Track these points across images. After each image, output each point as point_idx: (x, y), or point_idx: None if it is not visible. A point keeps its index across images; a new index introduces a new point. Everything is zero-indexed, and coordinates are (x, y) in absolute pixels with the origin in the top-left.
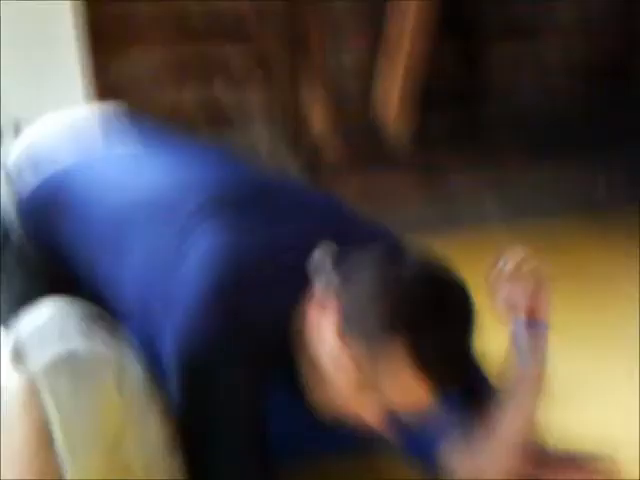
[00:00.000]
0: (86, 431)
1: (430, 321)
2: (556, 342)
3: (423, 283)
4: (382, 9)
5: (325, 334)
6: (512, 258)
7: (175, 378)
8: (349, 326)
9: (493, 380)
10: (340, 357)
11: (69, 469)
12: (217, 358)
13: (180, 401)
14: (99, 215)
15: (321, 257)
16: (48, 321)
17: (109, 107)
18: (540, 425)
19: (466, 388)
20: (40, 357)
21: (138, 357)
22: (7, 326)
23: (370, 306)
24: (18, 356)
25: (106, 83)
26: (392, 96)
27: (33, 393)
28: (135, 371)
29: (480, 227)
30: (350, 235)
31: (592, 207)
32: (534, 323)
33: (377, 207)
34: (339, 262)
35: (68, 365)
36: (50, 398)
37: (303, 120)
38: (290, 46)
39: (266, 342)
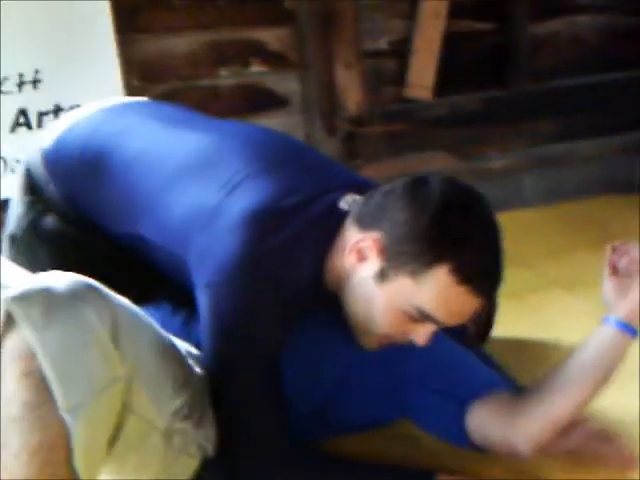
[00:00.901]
0: (74, 366)
1: (466, 241)
2: None
3: (449, 207)
4: None
5: (365, 277)
6: (628, 253)
7: (206, 324)
8: (393, 265)
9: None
10: (383, 299)
11: (60, 403)
12: (244, 314)
13: (210, 345)
14: (142, 173)
15: (351, 203)
16: (38, 280)
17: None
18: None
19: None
20: (13, 289)
21: (148, 321)
22: None
23: (407, 244)
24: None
25: (142, 69)
26: (427, 75)
27: (10, 321)
28: (139, 331)
29: (518, 207)
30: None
31: (630, 187)
32: (626, 326)
33: None
34: (364, 207)
35: (41, 296)
36: (26, 326)
37: (339, 103)
38: (325, 28)
39: (296, 292)
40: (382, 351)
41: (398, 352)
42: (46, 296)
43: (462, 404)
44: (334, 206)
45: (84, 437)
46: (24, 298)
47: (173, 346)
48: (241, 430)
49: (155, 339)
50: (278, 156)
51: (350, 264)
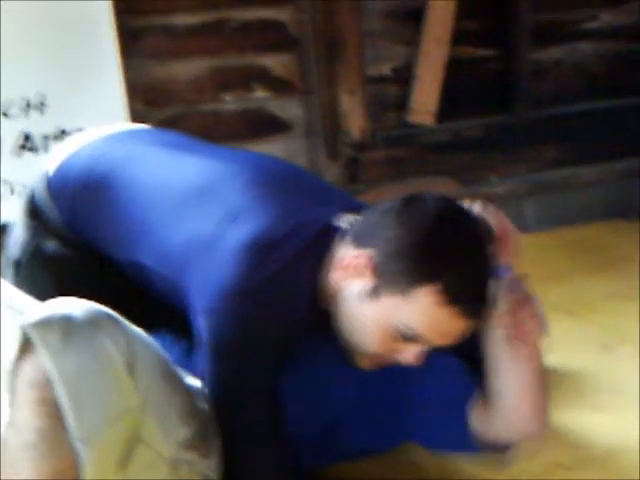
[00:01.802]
0: (88, 394)
1: (456, 261)
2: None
3: (439, 226)
4: (418, 17)
5: (352, 295)
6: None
7: (206, 350)
8: (381, 282)
9: None
10: (370, 317)
11: (73, 431)
12: (242, 341)
13: (210, 371)
14: (143, 200)
15: (346, 221)
16: (56, 307)
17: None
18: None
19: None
20: (32, 315)
21: (155, 350)
22: None
23: (398, 262)
24: (18, 312)
25: (146, 93)
26: (430, 101)
27: (26, 347)
28: (152, 361)
29: (520, 232)
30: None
31: (631, 213)
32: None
33: None
34: (359, 224)
35: (60, 323)
36: (44, 351)
37: (342, 129)
38: (329, 54)
39: (294, 317)
40: (387, 369)
41: (401, 372)
42: (65, 323)
43: (462, 409)
44: (329, 226)
45: (93, 466)
46: (43, 324)
47: (180, 376)
48: (242, 459)
49: (165, 369)
50: (277, 183)
51: (343, 281)
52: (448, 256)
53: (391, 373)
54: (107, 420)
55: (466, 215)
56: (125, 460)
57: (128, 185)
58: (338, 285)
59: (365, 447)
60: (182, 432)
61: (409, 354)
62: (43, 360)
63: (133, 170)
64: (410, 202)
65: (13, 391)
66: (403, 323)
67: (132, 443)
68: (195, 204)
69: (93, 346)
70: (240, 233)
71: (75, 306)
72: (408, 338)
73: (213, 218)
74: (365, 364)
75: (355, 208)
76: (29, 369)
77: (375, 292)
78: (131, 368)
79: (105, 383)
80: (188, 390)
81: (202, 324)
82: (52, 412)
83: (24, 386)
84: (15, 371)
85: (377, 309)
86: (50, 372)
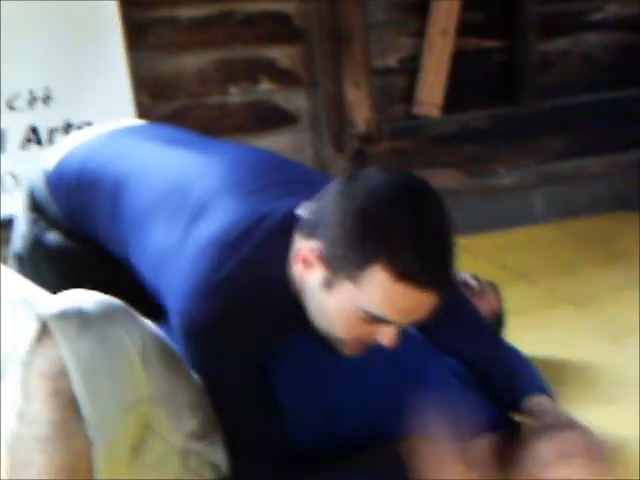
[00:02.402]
0: (104, 384)
1: (396, 237)
2: None
3: (376, 205)
4: (424, 8)
5: (313, 286)
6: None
7: (184, 351)
8: (333, 271)
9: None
10: (333, 306)
11: (88, 419)
12: (216, 336)
13: (196, 370)
14: (131, 197)
15: (303, 212)
16: (69, 299)
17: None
18: None
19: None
20: (49, 305)
21: (165, 341)
22: None
23: (341, 248)
24: (29, 305)
25: (152, 86)
26: (436, 93)
27: (46, 333)
28: (162, 352)
29: (527, 224)
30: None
31: (638, 204)
32: None
33: None
34: (310, 212)
35: (77, 315)
36: (62, 341)
37: (348, 121)
38: (335, 46)
39: (269, 304)
40: (396, 351)
41: (416, 351)
42: (81, 315)
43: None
44: (291, 216)
45: (107, 453)
46: (61, 315)
47: (186, 367)
48: (239, 448)
49: (174, 360)
50: (249, 177)
51: (298, 274)
52: (384, 231)
53: (402, 354)
54: (121, 409)
55: (404, 186)
56: (138, 450)
57: (117, 182)
58: (301, 278)
59: (368, 435)
60: (191, 424)
61: (384, 336)
62: (60, 350)
63: (122, 167)
64: (343, 182)
65: (25, 382)
66: (361, 308)
67: (145, 434)
68: (168, 203)
69: (108, 337)
70: (202, 232)
71: (90, 298)
72: (376, 321)
73: (181, 218)
74: (348, 351)
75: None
76: (42, 361)
77: (329, 282)
78: (144, 359)
79: (119, 373)
80: (195, 381)
81: (176, 326)
82: (65, 404)
83: (37, 378)
84: (28, 362)
85: (335, 298)
86: (67, 361)
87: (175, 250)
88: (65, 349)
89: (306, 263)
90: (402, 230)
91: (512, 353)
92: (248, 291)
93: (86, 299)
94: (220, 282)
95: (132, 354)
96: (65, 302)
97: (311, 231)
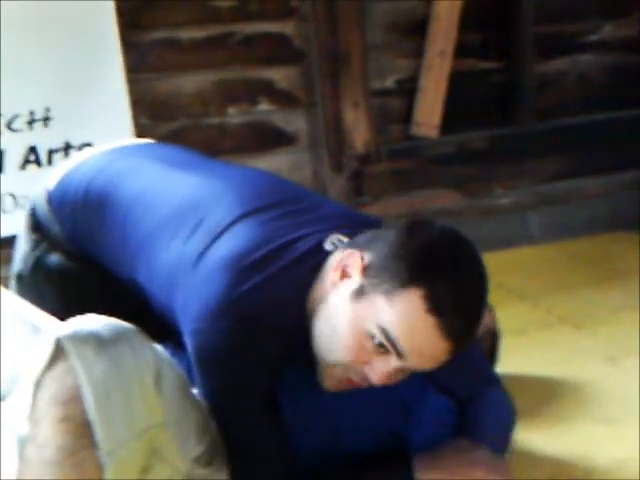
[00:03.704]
0: (117, 408)
1: (446, 273)
2: None
3: (439, 240)
4: (422, 30)
5: (341, 295)
6: None
7: (197, 372)
8: (371, 282)
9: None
10: (350, 317)
11: (100, 444)
12: (229, 358)
13: (204, 392)
14: (139, 217)
15: (337, 242)
16: (84, 321)
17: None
18: None
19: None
20: (64, 328)
21: (175, 366)
22: None
23: (390, 262)
24: (36, 328)
25: (151, 107)
26: (434, 114)
27: (60, 356)
28: (173, 378)
29: (525, 244)
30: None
31: (636, 224)
32: None
33: None
34: (356, 238)
35: (94, 337)
36: (78, 362)
37: (346, 142)
38: (333, 68)
39: (282, 329)
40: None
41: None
42: (97, 338)
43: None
44: (319, 246)
45: (115, 478)
46: (79, 338)
47: (193, 391)
48: (243, 474)
49: (183, 385)
50: (269, 202)
51: (332, 281)
52: (440, 264)
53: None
54: (133, 434)
55: (467, 244)
56: (145, 475)
57: (123, 202)
58: (326, 290)
59: (369, 452)
60: (198, 449)
61: (377, 368)
62: (74, 373)
63: (129, 187)
64: (415, 223)
65: (34, 404)
66: (380, 324)
67: (151, 458)
68: (181, 224)
69: (123, 361)
70: (220, 251)
71: (103, 322)
72: (382, 347)
73: (197, 238)
74: (329, 383)
75: (351, 224)
76: (53, 384)
77: (361, 292)
78: (158, 385)
79: (134, 397)
80: (201, 405)
81: (190, 346)
82: (75, 429)
83: (47, 401)
84: (39, 383)
85: (359, 309)
86: (81, 385)
87: (190, 267)
88: (80, 372)
89: (345, 272)
90: (451, 275)
91: (493, 396)
92: (263, 314)
93: (100, 323)
94: (234, 301)
95: (146, 379)
96: (81, 325)
97: (358, 245)
